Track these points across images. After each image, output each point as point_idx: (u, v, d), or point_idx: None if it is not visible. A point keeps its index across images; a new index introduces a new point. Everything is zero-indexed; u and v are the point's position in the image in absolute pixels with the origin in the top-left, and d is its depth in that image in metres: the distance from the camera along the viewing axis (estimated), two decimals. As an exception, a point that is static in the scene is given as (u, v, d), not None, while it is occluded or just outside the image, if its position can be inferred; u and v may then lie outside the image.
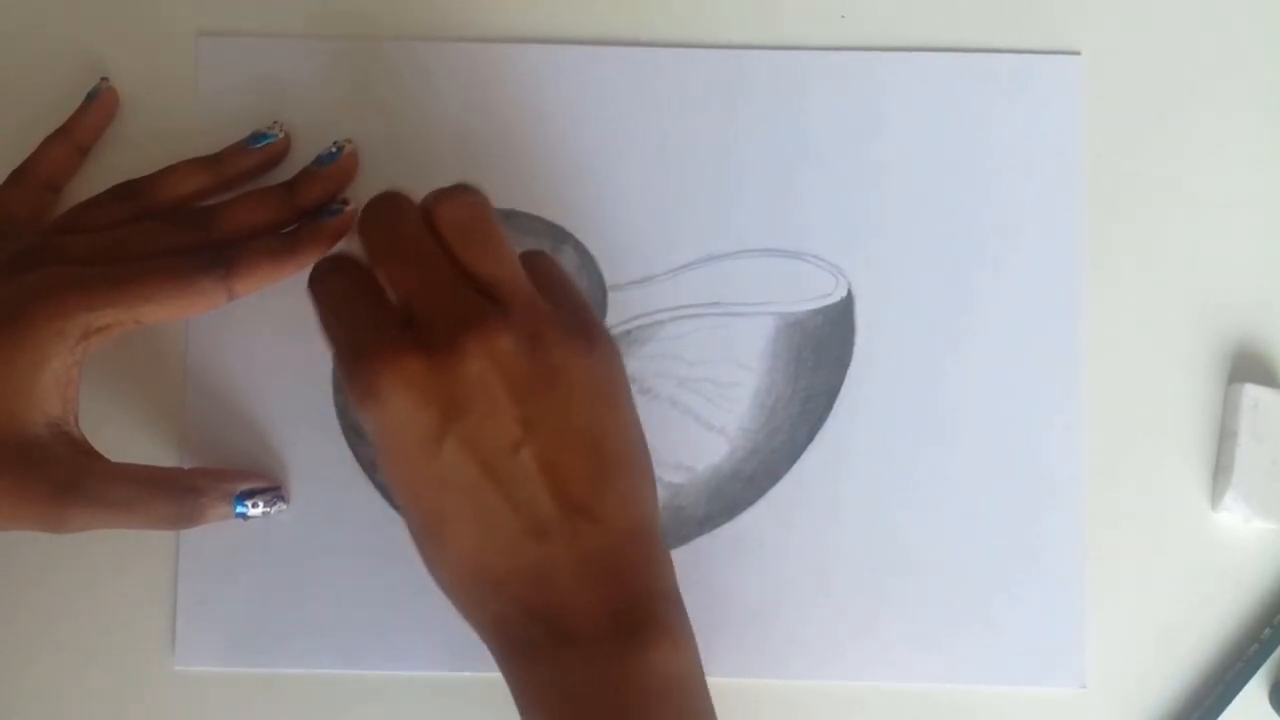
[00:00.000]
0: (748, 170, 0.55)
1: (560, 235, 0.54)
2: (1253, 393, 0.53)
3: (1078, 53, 0.55)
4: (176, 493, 0.50)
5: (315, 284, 0.47)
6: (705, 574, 0.53)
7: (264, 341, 0.54)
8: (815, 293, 0.54)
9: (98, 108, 0.54)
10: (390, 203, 0.46)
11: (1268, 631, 0.53)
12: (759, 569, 0.53)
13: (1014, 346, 0.54)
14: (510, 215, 0.54)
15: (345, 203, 0.53)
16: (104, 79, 0.54)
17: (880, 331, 0.54)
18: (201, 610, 0.53)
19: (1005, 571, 0.53)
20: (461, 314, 0.43)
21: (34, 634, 0.53)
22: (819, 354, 0.54)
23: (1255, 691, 0.53)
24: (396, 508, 0.53)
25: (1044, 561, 0.53)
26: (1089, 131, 0.55)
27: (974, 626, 0.53)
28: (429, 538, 0.45)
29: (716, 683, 0.52)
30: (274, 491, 0.52)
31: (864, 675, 0.53)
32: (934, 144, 0.55)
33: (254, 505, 0.52)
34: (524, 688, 0.44)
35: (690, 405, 0.54)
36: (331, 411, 0.54)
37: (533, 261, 0.47)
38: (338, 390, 0.54)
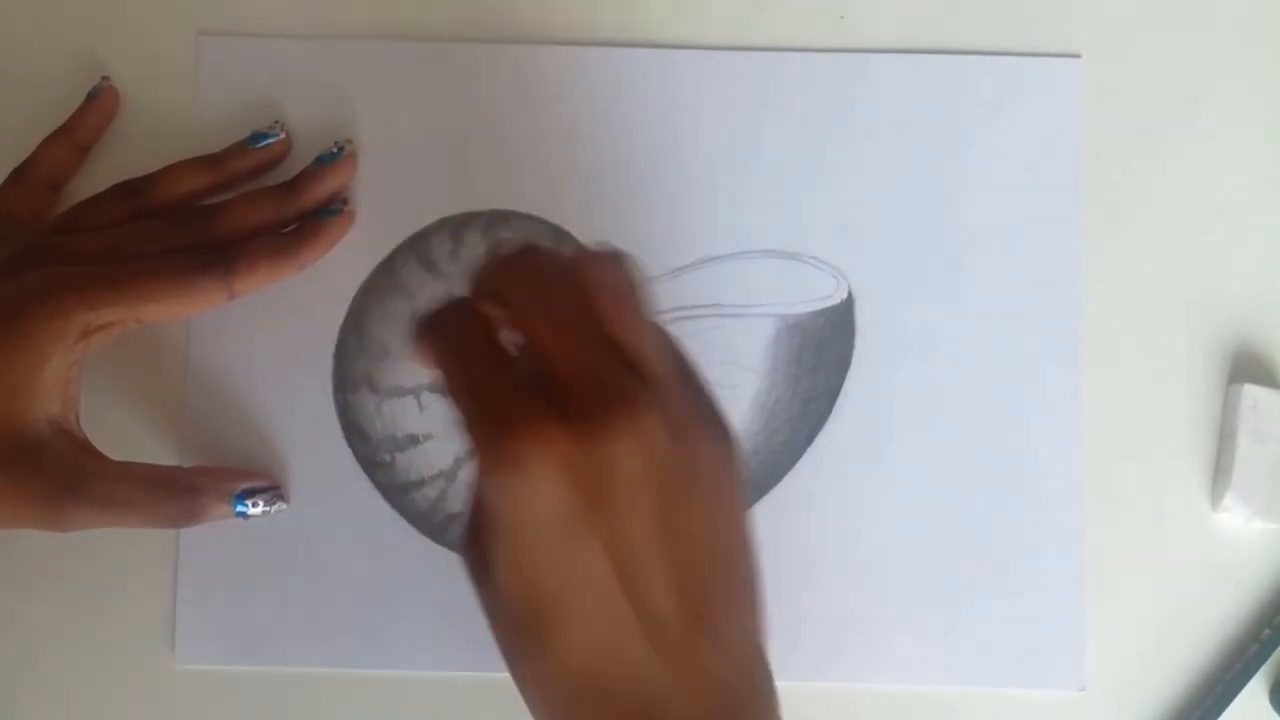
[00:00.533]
0: (748, 171, 0.55)
1: (560, 236, 0.54)
2: (1252, 393, 0.53)
3: (1078, 55, 0.56)
4: (176, 492, 0.50)
5: (433, 331, 0.41)
6: (705, 575, 0.53)
7: (264, 341, 0.54)
8: (815, 294, 0.54)
9: (98, 107, 0.54)
10: (538, 256, 0.42)
11: (1267, 632, 0.53)
12: (759, 570, 0.53)
13: (1014, 347, 0.54)
14: (509, 216, 0.54)
15: (345, 202, 0.53)
16: (104, 78, 0.54)
17: (880, 333, 0.54)
18: (201, 610, 0.53)
19: (1005, 572, 0.53)
20: (613, 389, 0.38)
21: (34, 634, 0.53)
22: (819, 355, 0.54)
23: (1255, 691, 0.53)
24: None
25: (1043, 562, 0.53)
26: (1089, 134, 0.55)
27: (973, 628, 0.53)
28: (534, 631, 0.39)
29: (717, 683, 0.52)
30: (274, 491, 0.52)
31: (863, 676, 0.53)
32: (935, 146, 0.55)
33: (254, 505, 0.52)
34: None
35: (690, 406, 0.54)
36: (332, 411, 0.54)
37: (663, 340, 0.42)
38: (338, 389, 0.54)
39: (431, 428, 0.53)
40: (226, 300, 0.50)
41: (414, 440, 0.53)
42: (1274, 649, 0.53)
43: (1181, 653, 0.53)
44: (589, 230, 0.54)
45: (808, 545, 0.53)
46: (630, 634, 0.39)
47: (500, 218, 0.54)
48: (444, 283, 0.54)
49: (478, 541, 0.40)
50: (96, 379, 0.53)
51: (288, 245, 0.52)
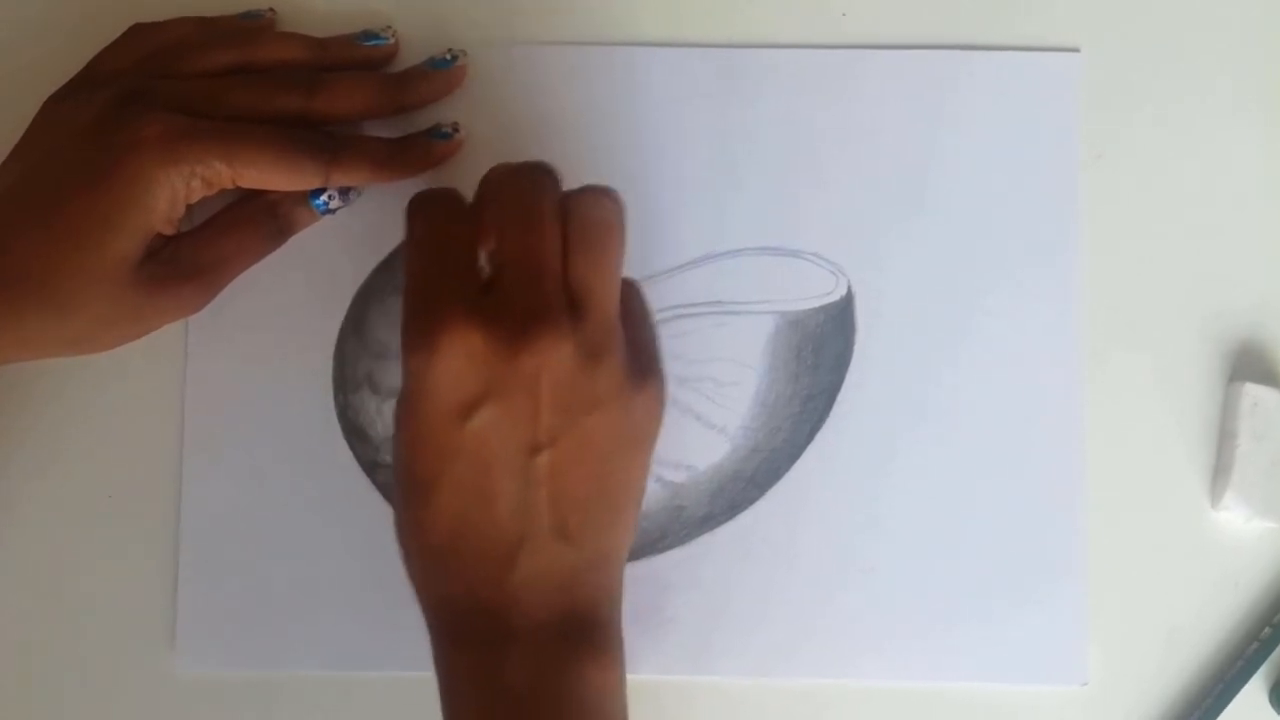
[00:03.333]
0: (748, 169, 0.55)
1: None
2: (1252, 392, 0.53)
3: (1077, 49, 0.55)
4: (261, 219, 0.53)
5: (416, 209, 0.46)
6: (706, 573, 0.53)
7: (263, 342, 0.54)
8: (815, 291, 0.54)
9: (253, 25, 0.54)
10: (542, 175, 0.46)
11: (1267, 631, 0.53)
12: (760, 568, 0.53)
13: (1014, 345, 0.54)
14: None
15: (456, 128, 0.54)
16: (270, 9, 0.55)
17: (880, 330, 0.54)
18: (202, 613, 0.53)
19: (1007, 570, 0.53)
20: (541, 308, 0.43)
21: (34, 636, 0.53)
22: (819, 352, 0.54)
23: (1255, 691, 0.53)
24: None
25: (1045, 559, 0.53)
26: (1088, 129, 0.55)
27: (975, 624, 0.53)
28: (414, 493, 0.45)
29: (717, 682, 0.53)
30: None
31: (865, 673, 0.53)
32: (934, 141, 0.55)
33: (330, 199, 0.53)
34: (453, 674, 0.45)
35: (691, 404, 0.54)
36: (332, 412, 0.54)
37: (623, 288, 0.47)
38: (338, 390, 0.54)
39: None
40: (320, 184, 0.52)
41: (414, 442, 0.53)
42: (1274, 648, 0.53)
43: (1182, 650, 0.53)
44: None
45: (809, 542, 0.53)
46: (494, 518, 0.44)
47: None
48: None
49: (397, 405, 0.45)
50: (95, 378, 0.53)
51: (393, 156, 0.53)
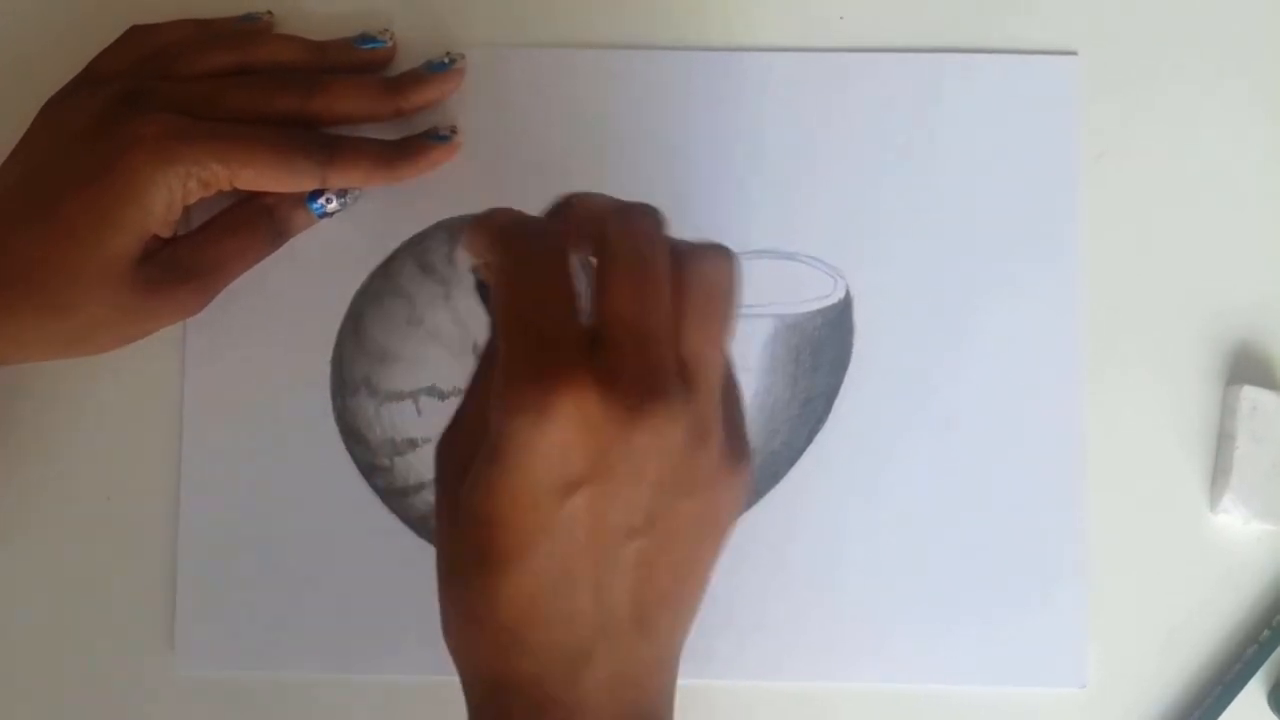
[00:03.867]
0: (746, 171, 0.55)
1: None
2: (1251, 395, 0.53)
3: (1074, 53, 0.55)
4: (259, 222, 0.53)
5: (506, 240, 0.40)
6: (705, 575, 0.53)
7: (261, 346, 0.54)
8: (814, 294, 0.54)
9: (252, 28, 0.55)
10: (656, 223, 0.41)
11: (1267, 632, 0.53)
12: (758, 570, 0.53)
13: (1013, 347, 0.54)
14: (508, 218, 0.54)
15: (454, 131, 0.54)
16: (268, 12, 0.55)
17: (879, 333, 0.54)
18: (201, 615, 0.53)
19: (1006, 572, 0.53)
20: (660, 380, 0.38)
21: (33, 636, 0.53)
22: (818, 355, 0.54)
23: (1255, 692, 0.53)
24: (403, 513, 0.53)
25: (1044, 562, 0.53)
26: (1087, 132, 0.55)
27: (974, 627, 0.53)
28: (487, 564, 0.39)
29: (716, 685, 0.52)
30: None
31: (864, 676, 0.53)
32: (932, 144, 0.55)
33: (328, 201, 0.53)
34: None
35: (689, 406, 0.54)
36: (330, 414, 0.54)
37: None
38: (337, 393, 0.54)
39: (430, 431, 0.53)
40: (317, 186, 0.52)
41: (413, 444, 0.53)
42: (1273, 649, 0.53)
43: (1181, 653, 0.53)
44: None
45: (808, 544, 0.53)
46: (578, 604, 0.39)
47: (498, 220, 0.54)
48: (441, 286, 0.54)
49: (464, 449, 0.40)
50: (95, 378, 0.53)
51: (390, 157, 0.53)
